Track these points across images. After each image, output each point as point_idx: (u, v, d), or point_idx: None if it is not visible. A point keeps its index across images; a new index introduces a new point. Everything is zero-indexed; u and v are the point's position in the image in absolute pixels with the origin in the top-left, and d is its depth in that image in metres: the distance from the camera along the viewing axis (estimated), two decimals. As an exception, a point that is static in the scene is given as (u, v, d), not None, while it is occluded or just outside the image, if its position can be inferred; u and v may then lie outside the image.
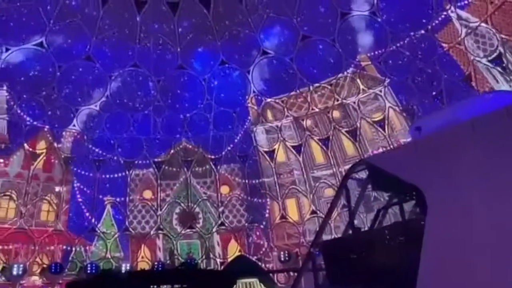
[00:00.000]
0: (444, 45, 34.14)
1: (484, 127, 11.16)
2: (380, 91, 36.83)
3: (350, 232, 13.67)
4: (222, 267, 36.27)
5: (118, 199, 38.05)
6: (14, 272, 32.59)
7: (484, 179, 11.04)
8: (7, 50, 33.44)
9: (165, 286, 24.59)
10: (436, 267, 11.61)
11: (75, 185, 37.27)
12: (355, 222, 14.10)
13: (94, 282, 21.19)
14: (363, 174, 13.36)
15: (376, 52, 36.24)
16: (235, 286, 31.51)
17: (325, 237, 18.39)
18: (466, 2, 32.41)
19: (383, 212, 13.93)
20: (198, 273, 25.91)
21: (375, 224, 13.52)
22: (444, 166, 11.78)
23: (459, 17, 32.74)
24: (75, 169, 37.23)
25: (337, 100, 37.84)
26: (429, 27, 33.75)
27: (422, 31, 34.23)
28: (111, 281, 20.97)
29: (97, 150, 37.28)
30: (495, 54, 30.96)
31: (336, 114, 38.53)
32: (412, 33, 34.50)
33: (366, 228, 15.55)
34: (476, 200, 11.18)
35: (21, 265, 33.04)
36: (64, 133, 36.90)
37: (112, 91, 36.73)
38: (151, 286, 22.11)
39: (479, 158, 11.14)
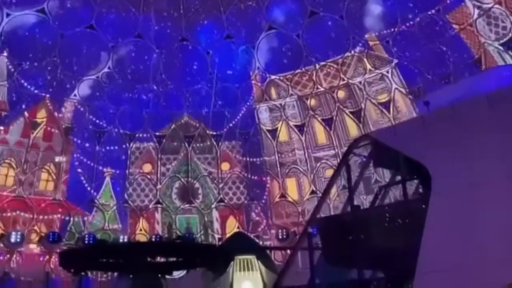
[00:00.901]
0: (454, 26, 32.87)
1: (502, 103, 10.26)
2: (387, 72, 35.72)
3: (349, 209, 12.88)
4: (220, 243, 35.74)
5: (117, 171, 37.27)
6: (12, 240, 32.29)
7: (499, 158, 10.20)
8: (7, 15, 32.39)
9: (160, 258, 24.11)
10: (439, 248, 10.88)
11: (74, 155, 36.51)
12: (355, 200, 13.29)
13: (88, 251, 20.54)
14: (365, 150, 12.50)
15: (385, 32, 35.00)
16: (232, 262, 31.13)
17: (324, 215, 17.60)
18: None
19: (384, 191, 13.12)
20: (195, 247, 25.21)
21: (375, 202, 12.73)
22: (454, 143, 10.94)
23: (472, -3, 31.44)
24: (75, 139, 36.42)
25: (343, 80, 36.77)
26: (440, 7, 32.45)
27: (433, 11, 32.93)
28: (105, 251, 20.30)
29: (97, 121, 36.41)
30: (507, 38, 29.79)
31: (341, 94, 37.55)
32: (422, 13, 33.20)
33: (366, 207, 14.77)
34: (488, 180, 10.36)
35: (19, 233, 32.69)
36: (65, 102, 36.02)
37: (114, 62, 35.69)
38: (146, 258, 21.53)
39: (495, 136, 10.27)
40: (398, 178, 12.72)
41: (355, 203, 13.71)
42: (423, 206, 10.87)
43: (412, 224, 11.32)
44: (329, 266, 12.60)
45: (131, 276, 34.04)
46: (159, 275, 31.20)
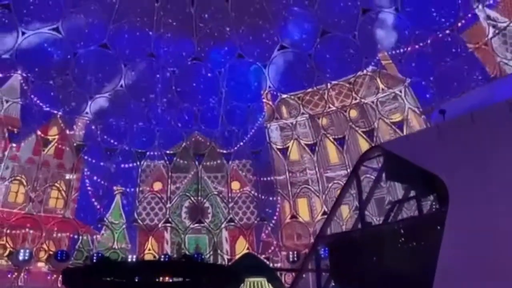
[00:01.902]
0: (469, 45, 32.07)
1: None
2: (400, 91, 34.90)
3: (360, 226, 11.97)
4: (230, 264, 34.72)
5: (127, 190, 36.73)
6: (20, 258, 31.83)
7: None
8: (23, 34, 32.53)
9: (166, 278, 23.21)
10: (456, 269, 9.86)
11: (85, 173, 36.13)
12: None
13: (90, 269, 19.74)
14: (377, 162, 11.66)
15: (398, 51, 34.31)
16: (242, 285, 30.09)
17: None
18: (495, 0, 30.32)
19: (398, 206, 12.19)
20: (203, 267, 24.25)
21: (388, 218, 11.80)
22: (472, 154, 10.05)
23: (487, 17, 30.65)
24: (86, 157, 36.07)
25: (355, 99, 36.01)
26: (454, 26, 31.73)
27: (447, 31, 32.22)
28: (108, 269, 19.46)
29: (108, 139, 36.08)
30: (523, 56, 28.90)
31: (353, 113, 36.73)
32: (436, 33, 32.50)
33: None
34: (508, 191, 9.41)
35: (28, 251, 32.22)
36: (76, 120, 35.83)
37: (127, 80, 35.53)
38: (150, 277, 20.68)
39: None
40: (412, 193, 11.81)
41: (367, 220, 12.79)
42: (440, 222, 9.90)
43: (427, 241, 10.38)
44: (338, 287, 11.73)
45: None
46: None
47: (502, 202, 9.59)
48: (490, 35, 30.79)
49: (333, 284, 12.20)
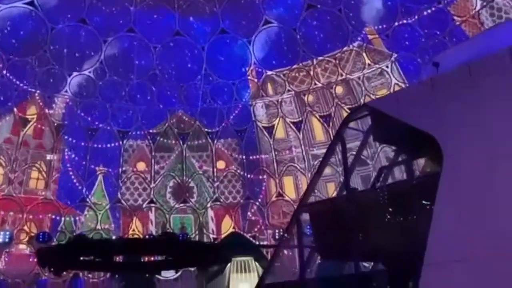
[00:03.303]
0: (457, 18, 30.92)
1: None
2: (387, 66, 33.74)
3: (345, 193, 10.81)
4: (216, 243, 33.74)
5: (110, 170, 35.31)
6: (1, 240, 30.71)
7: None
8: (-4, 8, 30.63)
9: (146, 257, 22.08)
10: (451, 235, 8.78)
11: (66, 153, 34.61)
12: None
13: (67, 248, 18.45)
14: (364, 123, 10.47)
15: (384, 25, 33.05)
16: (230, 264, 29.17)
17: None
18: (482, -28, 29.18)
19: (386, 172, 11.05)
20: (186, 245, 23.07)
21: (375, 184, 10.67)
22: (470, 110, 8.88)
23: (475, -12, 29.53)
24: (66, 137, 34.53)
25: (341, 75, 34.79)
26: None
27: (435, 4, 31.02)
28: (83, 248, 18.16)
29: (89, 118, 34.53)
30: (512, 28, 27.71)
31: (339, 89, 35.53)
32: (424, 6, 31.30)
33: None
34: (510, 152, 8.27)
35: (8, 233, 31.04)
36: (55, 99, 34.17)
37: (106, 57, 33.83)
38: (128, 255, 19.55)
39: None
40: (403, 156, 10.68)
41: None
42: (433, 186, 8.76)
43: (419, 206, 9.27)
44: (322, 259, 10.68)
45: (123, 277, 32.21)
46: (151, 276, 29.41)
47: (504, 163, 8.46)
48: (478, 7, 29.73)
49: (318, 258, 11.13)
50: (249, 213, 36.11)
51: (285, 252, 26.73)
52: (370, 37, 33.94)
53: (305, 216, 11.94)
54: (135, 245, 20.29)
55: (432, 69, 9.87)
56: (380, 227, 9.82)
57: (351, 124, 10.85)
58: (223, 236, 34.76)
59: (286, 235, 11.05)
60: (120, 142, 35.41)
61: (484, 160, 8.82)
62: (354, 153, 11.80)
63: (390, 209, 9.79)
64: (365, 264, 13.39)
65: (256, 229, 35.60)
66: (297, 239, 10.77)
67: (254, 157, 36.93)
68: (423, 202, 9.24)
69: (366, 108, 10.77)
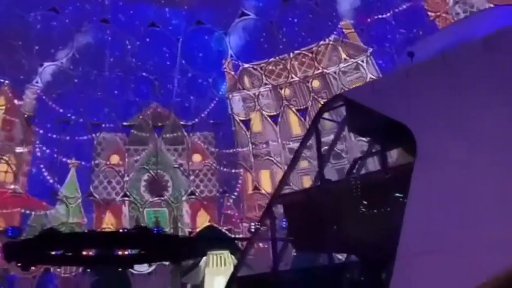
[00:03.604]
0: (431, 14, 31.21)
1: (503, 45, 8.11)
2: (362, 61, 33.82)
3: (319, 183, 10.62)
4: (191, 237, 33.35)
5: (83, 163, 34.42)
6: (-33, 235, 29.17)
7: (500, 113, 8.04)
8: (-38, -6, 29.39)
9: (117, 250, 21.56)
10: (424, 226, 8.64)
11: (36, 146, 33.57)
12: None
13: (35, 242, 17.84)
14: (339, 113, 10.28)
15: (360, 19, 33.11)
16: (205, 258, 28.85)
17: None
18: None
19: (360, 163, 10.90)
20: (160, 239, 22.62)
21: (350, 174, 10.50)
22: (444, 100, 8.77)
23: (448, -16, 29.81)
24: (37, 129, 33.46)
25: (318, 69, 34.73)
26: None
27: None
28: (53, 241, 17.59)
29: (61, 110, 33.53)
30: (484, 24, 28.04)
31: (315, 83, 35.46)
32: (399, 1, 31.48)
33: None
34: (486, 142, 8.18)
35: (-25, 228, 29.69)
36: (26, 89, 33.06)
37: (79, 48, 32.88)
38: (99, 248, 19.06)
39: (494, 87, 8.10)
40: (377, 147, 10.54)
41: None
42: (406, 176, 8.62)
43: (392, 197, 9.13)
44: (296, 251, 10.49)
45: (96, 271, 31.53)
46: (124, 270, 28.85)
47: (477, 154, 8.38)
48: (451, 3, 30.06)
49: (292, 250, 10.92)
50: (225, 206, 35.77)
51: (260, 244, 26.61)
52: (346, 31, 33.97)
53: (280, 209, 11.77)
54: (106, 239, 19.80)
55: (407, 59, 9.75)
56: (354, 218, 9.67)
57: (326, 115, 10.66)
58: (198, 230, 34.39)
59: (259, 226, 10.85)
60: (93, 135, 34.55)
61: (458, 150, 8.72)
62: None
63: (363, 200, 9.65)
64: (340, 256, 13.31)
65: (232, 223, 35.31)
66: (271, 230, 10.54)
67: (231, 150, 36.58)
68: (397, 193, 9.12)
69: (341, 98, 10.60)
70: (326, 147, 12.27)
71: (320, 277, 9.88)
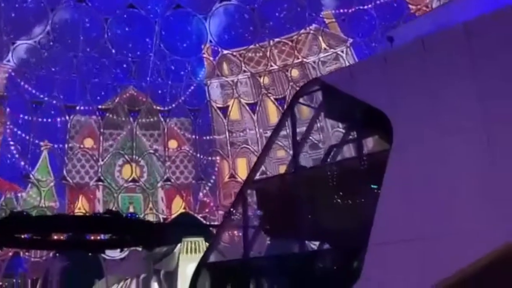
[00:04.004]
0: (411, 7, 31.14)
1: (482, 32, 7.89)
2: (342, 51, 33.62)
3: (293, 170, 10.34)
4: (165, 223, 32.96)
5: (55, 146, 33.49)
6: None
7: (478, 101, 7.85)
8: None
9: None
10: (398, 214, 8.45)
11: (7, 127, 32.44)
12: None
13: (3, 224, 17.18)
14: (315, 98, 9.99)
15: (341, 10, 32.87)
16: (180, 244, 28.48)
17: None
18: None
19: (336, 150, 10.66)
20: (132, 224, 22.18)
21: (325, 161, 10.25)
22: (422, 87, 8.53)
23: (429, -22, 29.72)
24: (8, 109, 32.32)
25: (297, 58, 34.39)
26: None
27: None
28: (21, 224, 16.94)
29: (34, 91, 32.46)
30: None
31: (294, 73, 35.15)
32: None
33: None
34: (463, 130, 7.99)
35: None
36: (-4, 68, 31.89)
37: (54, 27, 31.76)
38: (69, 232, 18.47)
39: (473, 74, 7.90)
40: (354, 134, 10.31)
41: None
42: (382, 164, 8.39)
43: (366, 185, 8.92)
44: (268, 237, 10.25)
45: (67, 256, 30.80)
46: (96, 255, 28.29)
47: (453, 144, 8.19)
48: (432, -4, 30.01)
49: (263, 232, 10.65)
50: (200, 194, 35.41)
51: (236, 232, 26.36)
52: (327, 21, 33.70)
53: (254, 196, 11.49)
54: (76, 223, 19.23)
55: (386, 43, 9.51)
56: (327, 206, 9.45)
57: (302, 100, 10.38)
58: (173, 216, 33.99)
59: (231, 212, 10.57)
60: (67, 117, 33.60)
61: (434, 139, 8.53)
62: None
63: (338, 187, 9.42)
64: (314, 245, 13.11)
65: (207, 210, 34.99)
66: (243, 216, 10.25)
67: (208, 137, 36.12)
68: (371, 181, 8.90)
69: (318, 83, 10.29)
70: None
71: (292, 265, 9.66)
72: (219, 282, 10.68)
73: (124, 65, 33.86)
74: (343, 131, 11.77)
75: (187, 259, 27.14)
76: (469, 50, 7.95)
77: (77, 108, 33.76)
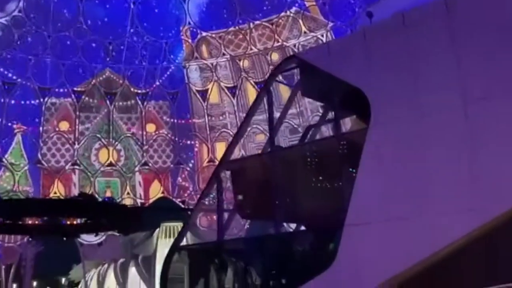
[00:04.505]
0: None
1: (464, 8, 7.60)
2: (322, 35, 33.20)
3: (269, 150, 9.99)
4: (143, 207, 32.47)
5: (30, 128, 32.48)
6: None
7: (457, 79, 7.58)
8: None
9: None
10: (374, 195, 8.19)
11: (-21, 109, 31.33)
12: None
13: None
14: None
15: (322, -7, 32.39)
16: (158, 229, 28.07)
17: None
18: None
19: (314, 130, 10.34)
20: (105, 207, 21.62)
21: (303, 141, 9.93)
22: (402, 64, 8.23)
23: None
24: (-21, 91, 31.18)
25: (277, 41, 33.86)
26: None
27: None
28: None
29: (6, 72, 31.29)
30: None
31: (275, 56, 34.60)
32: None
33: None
34: (441, 110, 7.73)
35: None
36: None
37: (26, 5, 30.51)
38: (41, 216, 17.88)
39: (454, 50, 7.61)
40: (332, 114, 9.99)
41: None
42: (358, 144, 8.10)
43: (343, 165, 8.65)
44: (243, 219, 9.94)
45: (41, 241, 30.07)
46: (72, 240, 27.65)
47: (434, 124, 7.94)
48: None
49: (238, 214, 10.32)
50: (179, 178, 34.91)
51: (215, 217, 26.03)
52: (307, 4, 33.19)
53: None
54: (48, 206, 18.61)
55: (365, 19, 9.17)
56: (303, 186, 9.16)
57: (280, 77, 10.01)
58: (151, 201, 33.51)
59: (205, 193, 10.22)
60: (41, 99, 32.55)
61: (412, 114, 8.26)
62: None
63: (314, 167, 9.13)
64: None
65: (186, 195, 34.55)
66: (217, 197, 9.89)
67: (186, 121, 35.50)
68: (348, 161, 8.63)
69: (295, 60, 9.92)
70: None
71: (267, 246, 9.38)
72: (193, 265, 10.36)
73: (100, 46, 32.79)
74: (320, 105, 11.42)
75: (166, 243, 26.75)
76: (450, 26, 7.66)
77: (52, 90, 32.68)
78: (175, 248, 10.08)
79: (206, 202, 10.84)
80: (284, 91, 26.86)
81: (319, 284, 8.17)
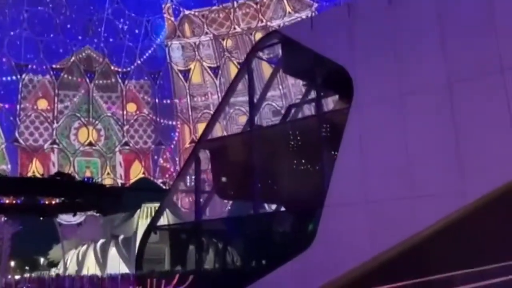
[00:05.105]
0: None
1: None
2: (307, 16, 32.66)
3: (249, 129, 9.67)
4: (124, 188, 31.99)
5: (6, 106, 31.52)
6: None
7: (442, 60, 7.31)
8: None
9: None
10: (355, 176, 7.96)
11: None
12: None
13: None
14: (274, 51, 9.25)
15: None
16: (139, 210, 27.67)
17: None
18: None
19: (296, 109, 10.03)
20: (83, 187, 21.11)
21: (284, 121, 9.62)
22: (387, 40, 7.92)
23: None
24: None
25: (261, 21, 33.29)
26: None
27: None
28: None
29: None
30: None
31: (258, 36, 33.98)
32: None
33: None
34: (424, 90, 7.48)
35: None
36: None
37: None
38: (16, 195, 17.37)
39: (439, 31, 7.33)
40: (314, 93, 9.67)
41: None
42: (340, 124, 7.83)
43: (324, 145, 8.38)
44: (221, 199, 9.67)
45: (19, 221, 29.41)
46: (51, 220, 27.10)
47: (413, 99, 7.70)
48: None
49: (216, 194, 10.02)
50: (160, 159, 34.45)
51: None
52: (292, -17, 32.63)
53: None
54: (24, 185, 18.05)
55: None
56: (282, 166, 8.90)
57: (261, 54, 9.63)
58: (132, 181, 33.05)
59: (183, 172, 9.86)
60: (18, 76, 31.54)
61: (395, 94, 8.00)
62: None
63: (294, 147, 8.87)
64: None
65: (167, 176, 34.16)
66: (195, 177, 9.57)
67: (168, 101, 34.90)
68: (329, 140, 8.37)
69: (277, 35, 9.55)
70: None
71: (245, 227, 9.15)
72: (171, 245, 10.10)
73: (80, 23, 31.79)
74: (303, 83, 11.09)
75: (146, 224, 26.49)
76: (436, 4, 7.37)
77: (29, 67, 31.67)
78: (151, 227, 9.78)
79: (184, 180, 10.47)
80: (267, 71, 26.49)
81: (298, 264, 7.98)
